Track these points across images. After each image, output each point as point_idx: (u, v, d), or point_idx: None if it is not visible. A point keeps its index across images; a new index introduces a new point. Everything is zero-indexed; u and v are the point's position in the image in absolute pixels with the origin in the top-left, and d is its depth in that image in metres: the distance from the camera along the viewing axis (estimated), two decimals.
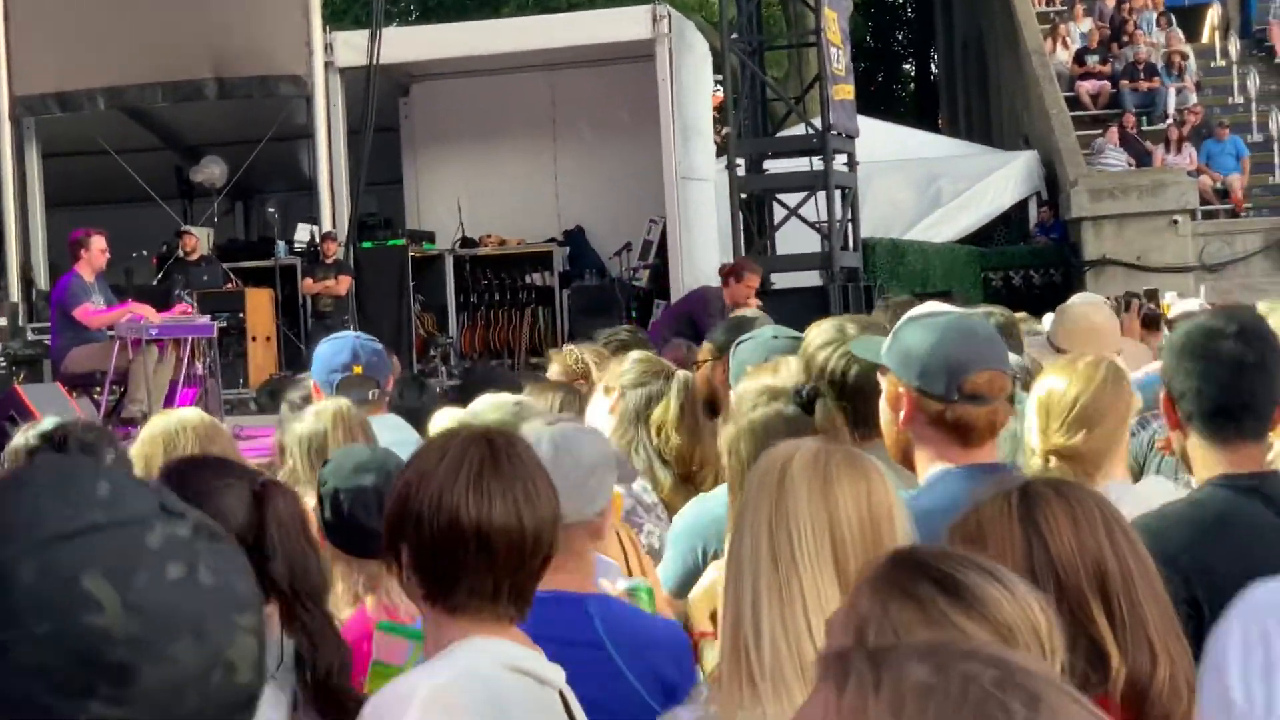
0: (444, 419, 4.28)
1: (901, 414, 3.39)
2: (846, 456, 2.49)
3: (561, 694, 2.70)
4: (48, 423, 4.19)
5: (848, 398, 3.80)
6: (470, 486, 2.65)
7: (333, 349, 5.78)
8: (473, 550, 2.63)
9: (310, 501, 4.44)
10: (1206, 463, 3.28)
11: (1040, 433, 3.86)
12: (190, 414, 4.67)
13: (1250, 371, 3.27)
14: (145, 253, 19.44)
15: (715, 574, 3.67)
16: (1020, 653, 1.32)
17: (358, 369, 5.59)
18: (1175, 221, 23.26)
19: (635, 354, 5.52)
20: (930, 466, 3.38)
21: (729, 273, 13.04)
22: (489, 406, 3.85)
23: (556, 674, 2.71)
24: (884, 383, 3.46)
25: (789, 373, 4.04)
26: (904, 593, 1.86)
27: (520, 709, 2.61)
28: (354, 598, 3.53)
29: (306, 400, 5.84)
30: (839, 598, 2.23)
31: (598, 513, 3.26)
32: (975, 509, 2.43)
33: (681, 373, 5.30)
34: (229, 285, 18.04)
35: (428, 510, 2.65)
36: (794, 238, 17.92)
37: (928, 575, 1.88)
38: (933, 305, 3.65)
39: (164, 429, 4.46)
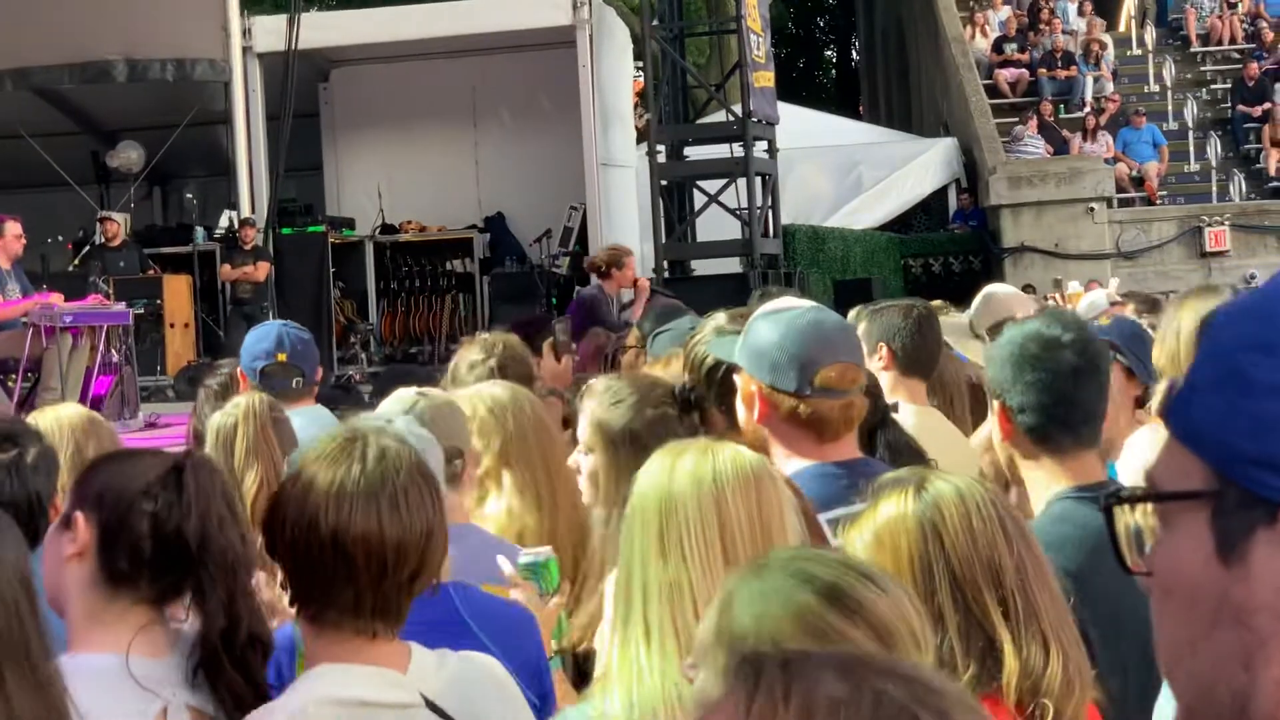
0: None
1: (756, 411, 3.37)
2: (735, 455, 2.49)
3: (433, 705, 2.58)
4: None
5: (720, 392, 3.72)
6: (335, 491, 2.54)
7: (257, 336, 5.69)
8: (329, 558, 2.52)
9: None
10: (1050, 474, 3.20)
11: None
12: (68, 411, 4.57)
13: (1087, 381, 3.21)
14: (61, 238, 19.25)
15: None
16: (931, 670, 1.36)
17: (281, 356, 5.52)
18: (1092, 209, 23.49)
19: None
20: (786, 464, 3.32)
21: (608, 266, 12.57)
22: (394, 402, 3.82)
23: (416, 688, 2.58)
24: (739, 380, 3.43)
25: (678, 368, 4.03)
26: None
27: None
28: None
29: (224, 387, 5.78)
30: None
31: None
32: (873, 505, 2.45)
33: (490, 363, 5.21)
34: (149, 271, 17.88)
35: (292, 512, 2.56)
36: (714, 224, 17.96)
37: (804, 583, 1.88)
38: (783, 300, 3.62)
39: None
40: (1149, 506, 1.21)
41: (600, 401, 3.60)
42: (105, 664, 2.57)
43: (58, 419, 4.31)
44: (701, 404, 3.57)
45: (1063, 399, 3.18)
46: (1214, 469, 1.15)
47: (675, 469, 2.43)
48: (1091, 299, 6.94)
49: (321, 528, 2.52)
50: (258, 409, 4.56)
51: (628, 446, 3.50)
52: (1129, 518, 1.23)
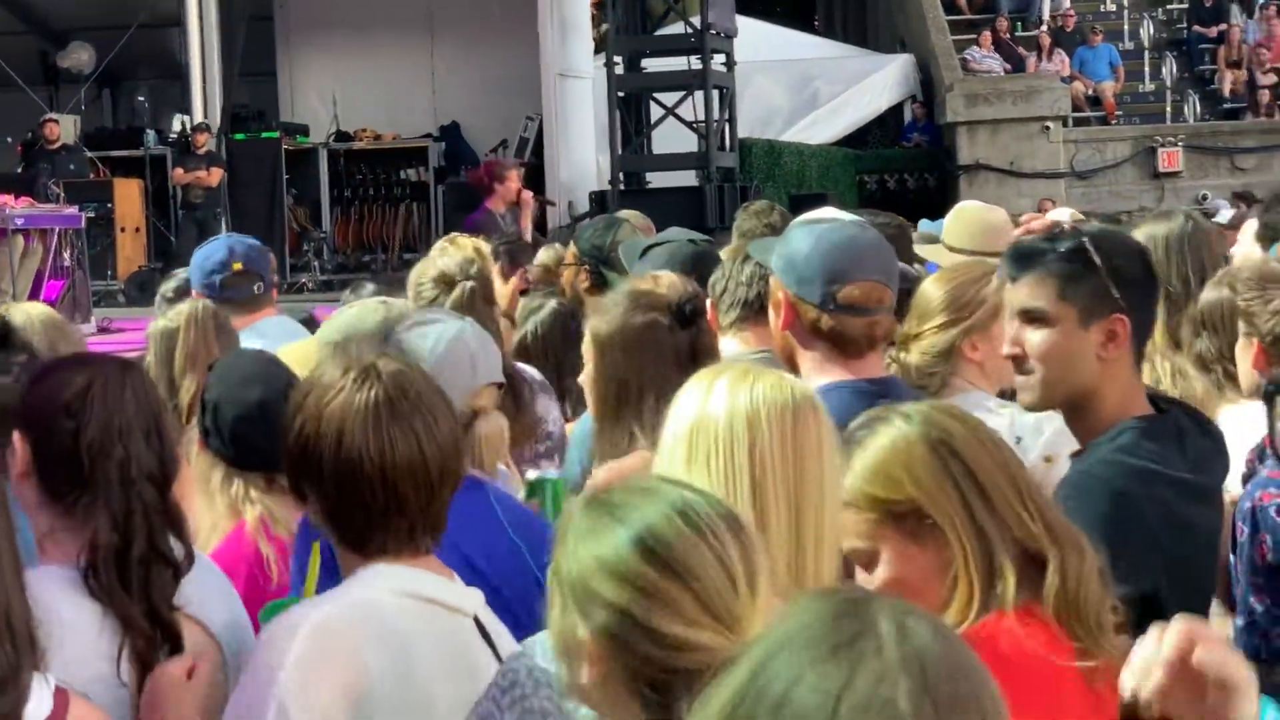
0: (329, 331, 4.05)
1: (782, 318, 3.38)
2: (777, 381, 2.45)
3: (478, 620, 2.60)
4: None
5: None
6: (370, 431, 2.52)
7: (206, 253, 5.60)
8: (381, 498, 2.51)
9: None
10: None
11: (908, 326, 3.84)
12: (37, 309, 4.50)
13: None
14: (10, 140, 19.05)
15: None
16: None
17: (237, 266, 5.46)
18: (1047, 128, 23.47)
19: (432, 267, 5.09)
20: (813, 378, 3.31)
21: (488, 180, 11.83)
22: (363, 312, 3.76)
23: (470, 600, 2.62)
24: (772, 285, 3.44)
25: (668, 285, 4.00)
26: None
27: (422, 638, 2.51)
28: (233, 510, 3.45)
29: (180, 293, 5.70)
30: None
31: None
32: (864, 445, 2.37)
33: (467, 284, 4.93)
34: (96, 175, 17.71)
35: (328, 458, 2.52)
36: (671, 137, 17.88)
37: (603, 506, 1.98)
38: (826, 211, 3.60)
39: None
40: None
41: (598, 312, 3.61)
42: (63, 575, 2.56)
43: (28, 315, 4.22)
44: (698, 319, 3.56)
45: None
46: None
47: (711, 390, 2.41)
48: (1055, 218, 6.94)
49: (368, 469, 2.51)
50: (201, 316, 4.49)
51: (615, 353, 3.51)
52: None
